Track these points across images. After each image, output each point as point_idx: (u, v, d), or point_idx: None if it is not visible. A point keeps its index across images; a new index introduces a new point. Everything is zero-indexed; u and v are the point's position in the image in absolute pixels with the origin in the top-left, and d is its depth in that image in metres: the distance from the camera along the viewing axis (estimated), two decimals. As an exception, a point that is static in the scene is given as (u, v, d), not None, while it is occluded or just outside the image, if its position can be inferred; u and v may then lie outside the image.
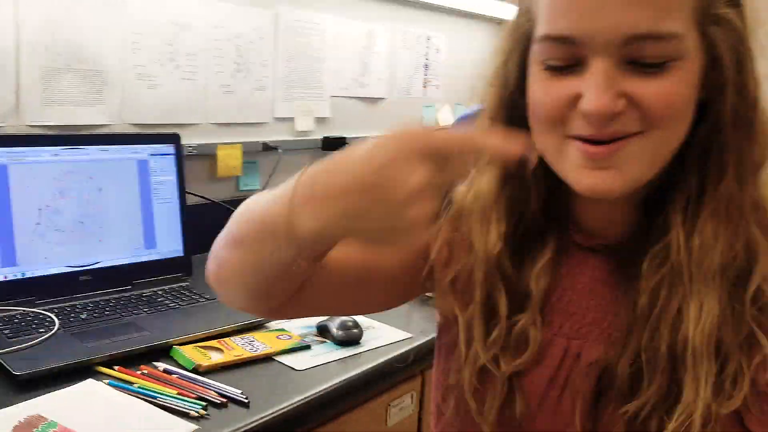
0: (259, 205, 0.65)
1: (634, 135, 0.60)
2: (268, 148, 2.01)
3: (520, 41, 0.66)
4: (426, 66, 2.61)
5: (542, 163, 0.66)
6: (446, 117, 2.64)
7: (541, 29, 0.62)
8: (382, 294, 0.82)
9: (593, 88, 0.59)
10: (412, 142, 0.54)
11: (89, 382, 1.05)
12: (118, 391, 1.04)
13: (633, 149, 0.61)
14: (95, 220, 1.46)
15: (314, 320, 1.35)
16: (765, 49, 0.64)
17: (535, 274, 0.70)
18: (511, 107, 0.68)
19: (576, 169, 0.62)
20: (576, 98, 0.61)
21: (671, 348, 0.63)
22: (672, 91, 0.59)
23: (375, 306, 0.86)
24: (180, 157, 1.62)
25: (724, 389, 0.61)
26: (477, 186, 0.73)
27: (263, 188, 1.97)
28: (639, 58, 0.59)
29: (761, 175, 0.65)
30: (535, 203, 0.70)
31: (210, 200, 1.81)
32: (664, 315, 0.64)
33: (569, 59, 0.61)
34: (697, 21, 0.60)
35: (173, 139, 1.61)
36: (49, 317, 1.26)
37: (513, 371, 0.69)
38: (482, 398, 0.70)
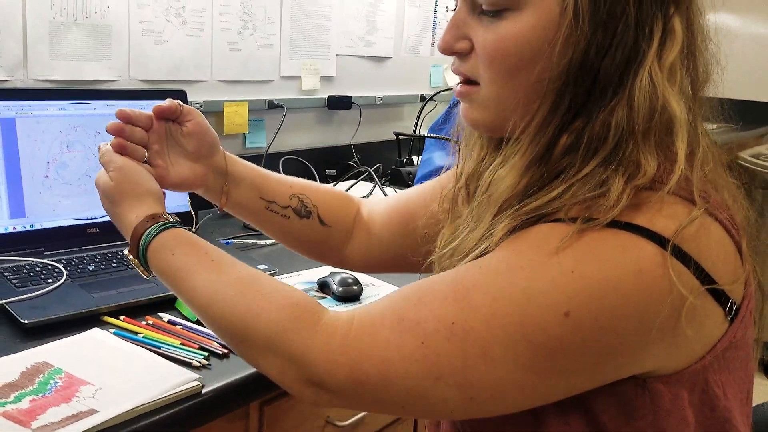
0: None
1: (478, 84, 0.71)
2: (273, 106, 2.01)
3: None
4: (435, 24, 2.59)
5: None
6: (454, 77, 2.63)
7: None
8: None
9: (445, 28, 0.72)
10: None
11: (95, 331, 1.08)
12: (122, 341, 1.06)
13: (479, 94, 0.71)
14: (102, 174, 1.48)
15: (315, 276, 1.37)
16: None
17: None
18: None
19: None
20: None
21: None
22: (500, 40, 0.66)
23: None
24: (186, 114, 1.62)
25: None
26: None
27: (268, 146, 1.99)
28: (480, 4, 0.67)
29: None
30: None
31: (216, 157, 1.82)
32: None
33: None
34: None
35: (180, 95, 1.61)
36: (57, 268, 1.30)
37: None
38: None
